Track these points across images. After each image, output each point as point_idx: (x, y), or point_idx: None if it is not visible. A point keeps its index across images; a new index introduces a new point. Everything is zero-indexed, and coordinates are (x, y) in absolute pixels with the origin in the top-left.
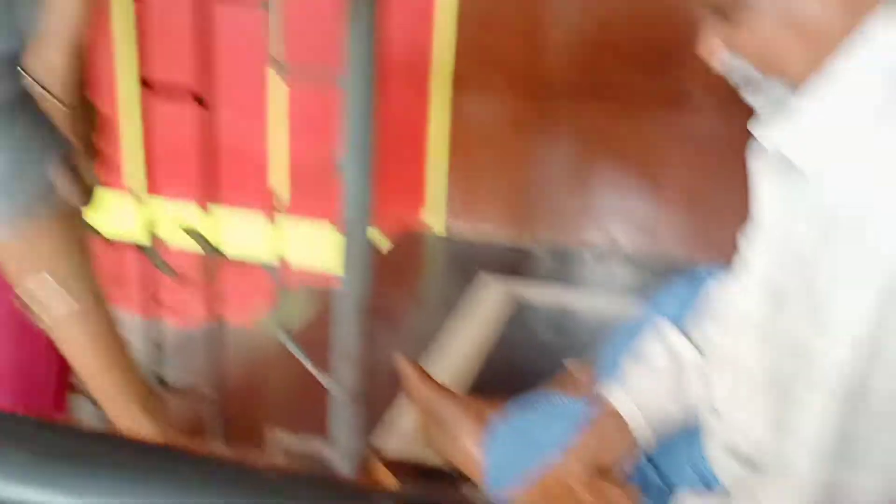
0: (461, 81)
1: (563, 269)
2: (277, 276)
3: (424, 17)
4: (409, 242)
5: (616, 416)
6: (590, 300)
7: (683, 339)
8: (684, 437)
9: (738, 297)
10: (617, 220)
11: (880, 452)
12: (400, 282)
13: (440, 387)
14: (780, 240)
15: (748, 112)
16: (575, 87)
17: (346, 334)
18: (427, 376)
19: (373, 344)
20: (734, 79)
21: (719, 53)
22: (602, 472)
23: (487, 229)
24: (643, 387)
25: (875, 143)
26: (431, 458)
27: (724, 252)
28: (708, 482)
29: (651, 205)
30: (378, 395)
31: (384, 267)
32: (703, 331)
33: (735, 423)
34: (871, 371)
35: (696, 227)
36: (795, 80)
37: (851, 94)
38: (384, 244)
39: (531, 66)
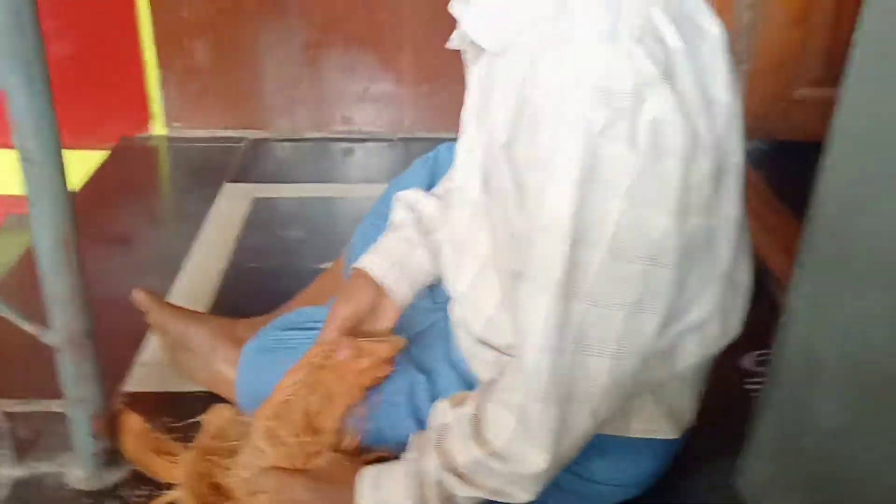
0: None
1: (303, 162)
2: None
3: None
4: (135, 154)
5: (364, 275)
6: (336, 192)
7: (428, 201)
8: (441, 331)
9: (461, 179)
10: (355, 104)
11: (602, 335)
12: (128, 199)
13: (185, 312)
14: (484, 121)
15: None
16: None
17: (51, 273)
18: (168, 304)
19: (106, 277)
20: None
21: None
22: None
23: (216, 129)
24: (391, 245)
25: (555, 32)
26: (189, 387)
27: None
28: (467, 379)
29: (390, 84)
30: (126, 333)
31: (109, 185)
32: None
33: (470, 305)
34: (579, 257)
35: (438, 103)
36: None
37: None
38: (103, 160)
39: None
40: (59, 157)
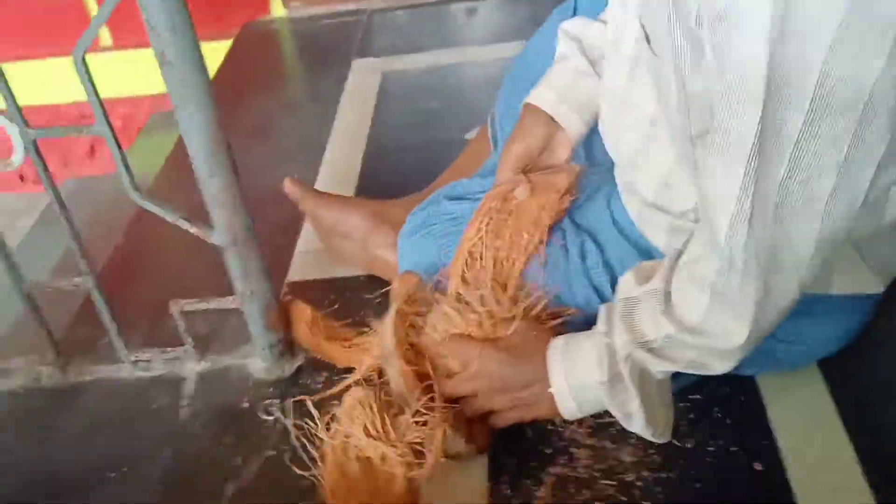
0: None
1: (427, 29)
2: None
3: None
4: (259, 39)
5: (535, 110)
6: (465, 56)
7: (593, 29)
8: (603, 195)
9: (613, 33)
10: None
11: (808, 199)
12: (259, 87)
13: (336, 198)
14: None
15: None
16: None
17: (207, 176)
18: (318, 192)
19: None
20: None
21: None
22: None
23: (335, 3)
24: (559, 77)
25: None
26: (350, 271)
27: None
28: (640, 246)
29: None
30: (281, 224)
31: (239, 74)
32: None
33: (640, 168)
34: (776, 118)
35: None
36: None
37: None
38: (233, 44)
39: None
40: (200, 57)
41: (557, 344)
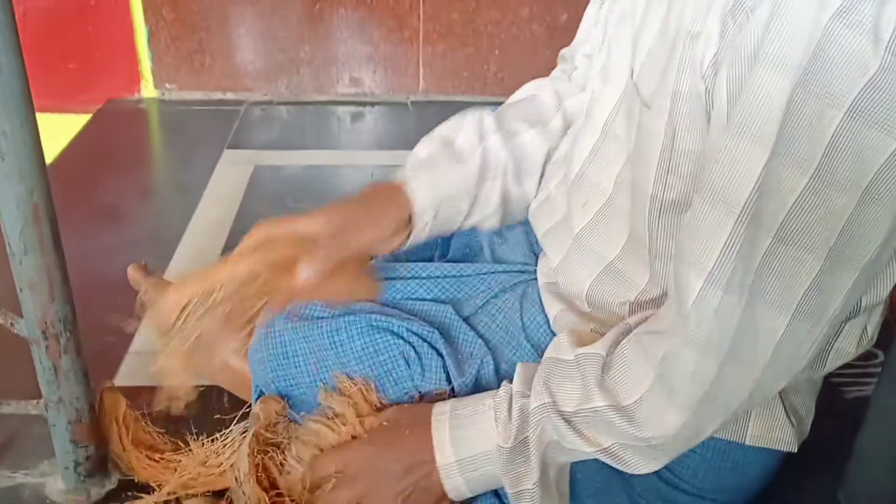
0: None
1: (308, 127)
2: None
3: None
4: (124, 117)
5: (393, 188)
6: (344, 159)
7: (496, 136)
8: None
9: (592, 101)
10: (365, 65)
11: (786, 282)
12: (117, 167)
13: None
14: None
15: None
16: None
17: (20, 252)
18: (165, 282)
19: (94, 256)
20: None
21: None
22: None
23: (213, 91)
24: (439, 167)
25: None
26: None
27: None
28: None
29: (402, 43)
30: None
31: (94, 152)
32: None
33: (582, 254)
34: (778, 177)
35: (460, 64)
36: None
37: None
38: (91, 120)
39: None
40: (24, 115)
41: (443, 410)
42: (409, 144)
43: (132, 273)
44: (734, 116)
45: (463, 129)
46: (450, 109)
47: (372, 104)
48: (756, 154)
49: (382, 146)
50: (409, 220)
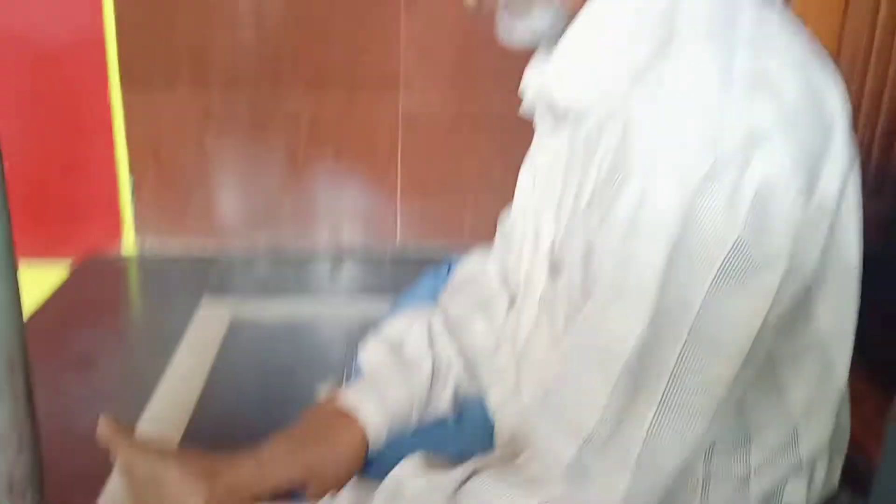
0: (130, 74)
1: (287, 279)
2: None
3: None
4: (103, 268)
5: (340, 414)
6: (322, 310)
7: (444, 337)
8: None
9: (525, 276)
10: (344, 217)
11: (658, 446)
12: (93, 318)
13: (156, 448)
14: (562, 203)
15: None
16: (270, 71)
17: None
18: (136, 438)
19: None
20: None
21: None
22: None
23: (193, 243)
24: (389, 386)
25: (654, 80)
26: None
27: (474, 235)
28: None
29: (381, 197)
30: (84, 475)
31: (73, 303)
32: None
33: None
34: (657, 341)
35: (437, 215)
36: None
37: (604, 21)
38: (71, 274)
39: (209, 47)
40: (11, 272)
41: None
42: (387, 296)
43: (101, 428)
44: (613, 281)
45: (412, 333)
46: (427, 261)
47: (350, 256)
48: (634, 316)
49: (361, 297)
50: (363, 446)
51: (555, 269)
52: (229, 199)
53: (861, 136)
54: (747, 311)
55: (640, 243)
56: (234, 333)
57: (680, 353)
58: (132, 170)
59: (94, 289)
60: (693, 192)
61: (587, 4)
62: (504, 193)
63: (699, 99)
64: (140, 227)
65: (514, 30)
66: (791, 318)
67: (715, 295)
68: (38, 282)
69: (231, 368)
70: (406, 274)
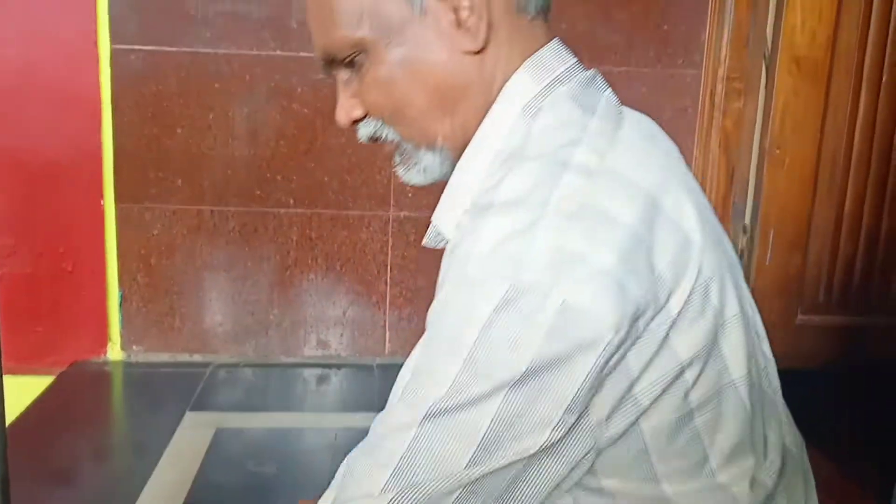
0: (124, 185)
1: (273, 389)
2: None
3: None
4: (87, 379)
5: None
6: (308, 422)
7: None
8: None
9: None
10: (332, 328)
11: None
12: (75, 429)
13: None
14: None
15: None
16: (261, 184)
17: None
18: None
19: None
20: (387, 151)
21: (354, 114)
22: None
23: (179, 353)
24: None
25: (481, 203)
26: None
27: None
28: None
29: (369, 307)
30: None
31: (54, 414)
32: None
33: None
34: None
35: (421, 328)
36: (435, 143)
37: (472, 166)
38: (54, 382)
39: (203, 161)
40: None
41: None
42: (375, 407)
43: None
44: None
45: None
46: None
47: (338, 367)
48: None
49: (347, 409)
50: None
51: None
52: (217, 311)
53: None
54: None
55: (434, 356)
56: (218, 445)
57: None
58: (121, 281)
59: (77, 397)
60: (489, 313)
61: (470, 144)
62: None
63: (503, 220)
64: (126, 337)
65: (408, 173)
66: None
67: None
68: (19, 394)
69: (214, 481)
70: (392, 386)
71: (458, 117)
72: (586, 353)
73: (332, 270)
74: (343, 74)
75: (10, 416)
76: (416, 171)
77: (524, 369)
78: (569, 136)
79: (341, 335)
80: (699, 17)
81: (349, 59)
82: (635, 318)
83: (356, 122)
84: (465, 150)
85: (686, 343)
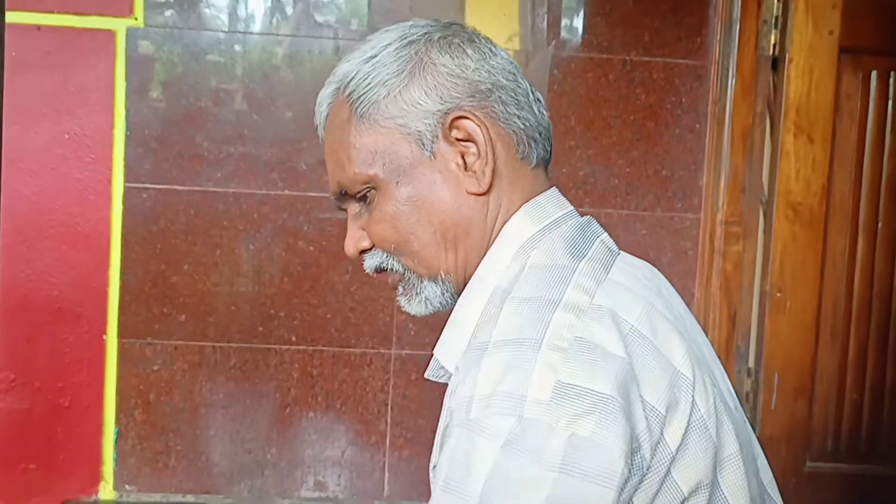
0: (128, 321)
1: None
2: None
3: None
4: None
5: None
6: None
7: None
8: None
9: None
10: (331, 468)
11: None
12: None
13: None
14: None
15: None
16: (264, 322)
17: None
18: None
19: None
20: (391, 282)
21: (362, 245)
22: None
23: (173, 493)
24: None
25: (479, 341)
26: None
27: None
28: None
29: (369, 448)
30: None
31: None
32: None
33: None
34: None
35: (426, 469)
36: (438, 276)
37: (472, 303)
38: None
39: (207, 299)
40: None
41: None
42: None
43: None
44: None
45: None
46: None
47: None
48: None
49: None
50: None
51: None
52: (213, 449)
53: None
54: None
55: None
56: None
57: None
58: (118, 418)
59: None
60: (497, 454)
61: (471, 280)
62: None
63: (504, 357)
64: (119, 476)
65: (410, 303)
66: None
67: None
68: None
69: None
70: None
71: (460, 253)
72: (602, 488)
73: (331, 409)
74: (354, 208)
75: None
76: (417, 301)
77: None
78: (560, 277)
79: (339, 476)
80: (697, 163)
81: (361, 194)
82: (636, 449)
83: (363, 252)
84: (467, 286)
85: (687, 477)
